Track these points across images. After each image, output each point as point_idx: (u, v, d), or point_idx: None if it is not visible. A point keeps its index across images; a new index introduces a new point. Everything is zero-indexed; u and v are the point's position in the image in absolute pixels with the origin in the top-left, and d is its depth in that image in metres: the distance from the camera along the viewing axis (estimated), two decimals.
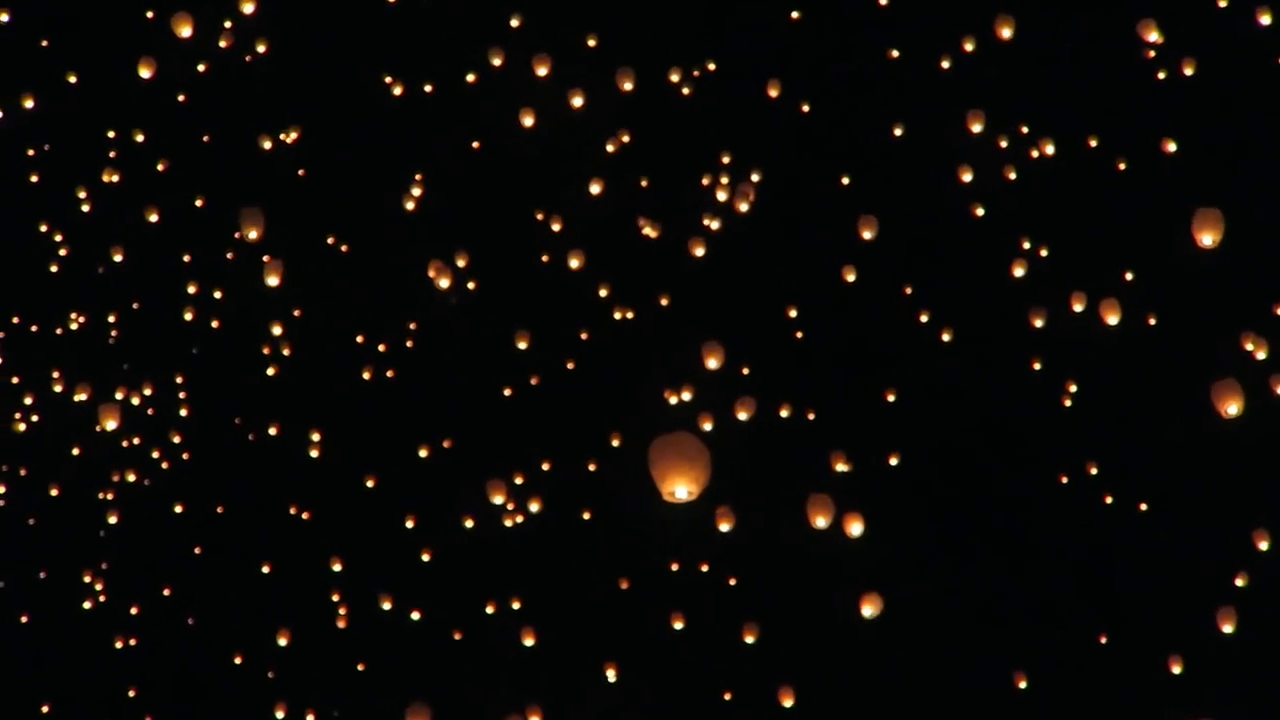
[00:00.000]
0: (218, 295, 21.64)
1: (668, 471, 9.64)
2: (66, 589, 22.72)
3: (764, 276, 22.03)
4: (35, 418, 22.16)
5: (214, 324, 21.76)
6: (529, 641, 20.52)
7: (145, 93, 19.71)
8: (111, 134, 20.89)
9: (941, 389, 22.05)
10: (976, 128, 19.25)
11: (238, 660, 22.65)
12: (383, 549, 22.24)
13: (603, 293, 21.12)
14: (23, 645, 22.77)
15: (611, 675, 21.29)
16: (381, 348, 22.14)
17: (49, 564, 22.61)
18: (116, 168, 20.67)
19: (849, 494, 16.54)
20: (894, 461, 21.48)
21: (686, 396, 19.62)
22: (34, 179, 21.16)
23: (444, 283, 19.18)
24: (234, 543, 22.87)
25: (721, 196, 20.33)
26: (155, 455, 22.34)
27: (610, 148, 20.35)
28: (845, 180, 21.30)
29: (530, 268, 21.48)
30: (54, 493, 22.43)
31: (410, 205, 20.70)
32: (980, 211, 20.55)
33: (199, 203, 21.33)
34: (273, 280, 16.81)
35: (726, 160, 20.64)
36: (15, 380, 21.82)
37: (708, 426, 19.17)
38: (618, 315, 21.48)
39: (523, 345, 20.48)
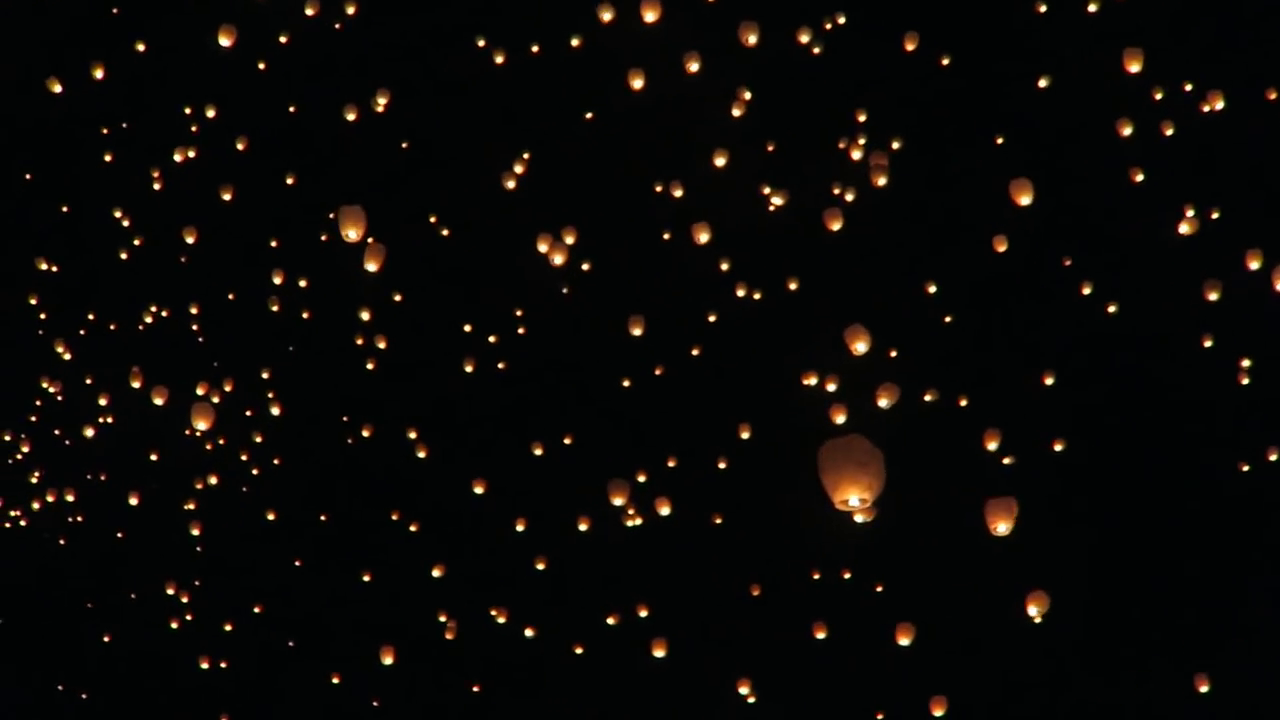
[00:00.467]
0: (303, 284, 20.02)
1: (839, 478, 9.51)
2: (152, 607, 21.09)
3: (906, 249, 20.48)
4: (110, 420, 20.62)
5: (304, 315, 20.16)
6: (659, 653, 18.98)
7: (223, 63, 18.08)
8: (188, 110, 19.35)
9: (1106, 369, 20.28)
10: (1134, 69, 17.53)
11: (335, 680, 21.07)
12: (494, 557, 20.90)
13: (729, 271, 19.42)
14: (106, 667, 21.21)
15: (745, 690, 19.60)
16: (492, 339, 20.48)
17: (132, 580, 21.08)
18: (192, 145, 19.11)
19: (1007, 486, 14.69)
20: (1058, 448, 19.69)
21: (829, 386, 17.90)
22: (107, 158, 19.68)
23: (558, 259, 17.54)
24: (332, 553, 21.36)
25: (856, 155, 18.60)
26: (244, 458, 20.89)
27: (737, 111, 18.56)
28: (999, 140, 19.46)
29: (649, 246, 19.93)
30: (133, 501, 21.02)
31: (511, 184, 19.01)
32: (1140, 176, 18.80)
33: (290, 180, 19.74)
34: (371, 266, 15.21)
35: (861, 119, 19.10)
36: (89, 380, 20.27)
37: (841, 419, 17.65)
38: (742, 294, 19.74)
39: (640, 331, 18.79)
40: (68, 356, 20.46)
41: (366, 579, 21.33)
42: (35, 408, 20.82)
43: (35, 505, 20.83)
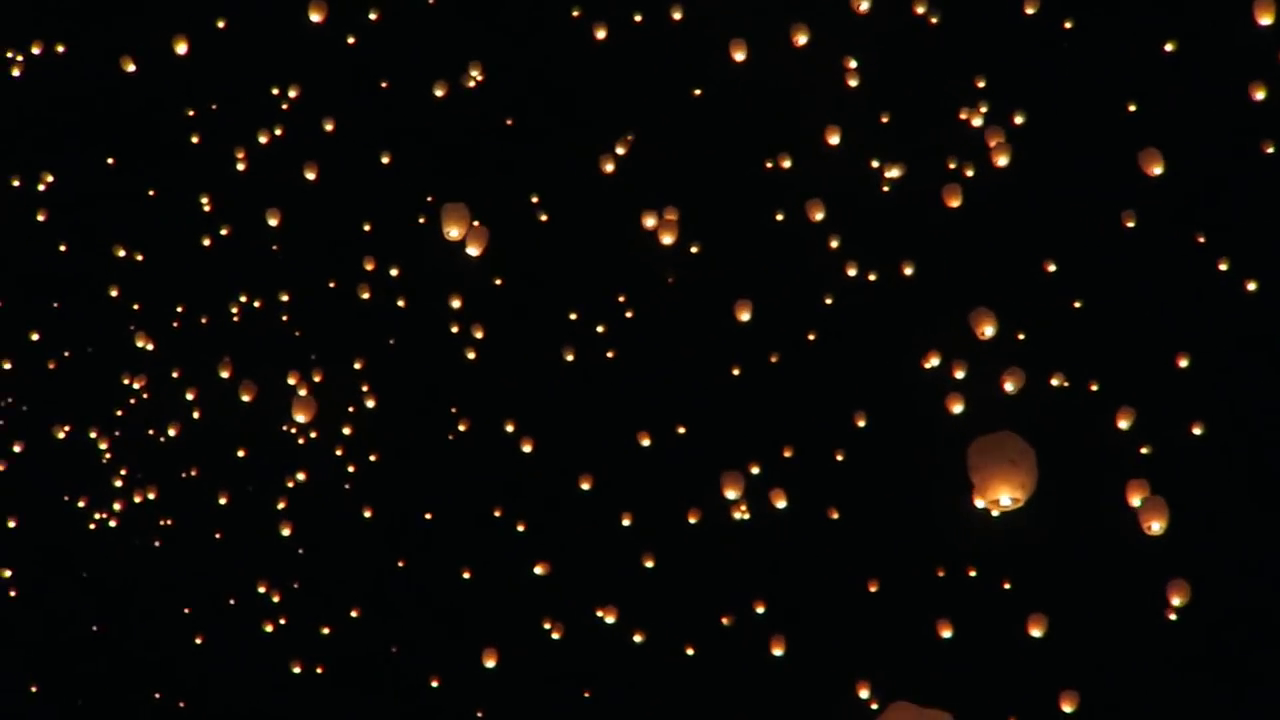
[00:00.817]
0: (395, 273, 19.46)
1: (990, 476, 9.18)
2: (245, 610, 20.67)
3: (1030, 225, 19.68)
4: (198, 415, 20.02)
5: (399, 302, 19.51)
6: (778, 651, 18.44)
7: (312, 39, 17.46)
8: (275, 90, 18.73)
9: (1245, 349, 19.57)
10: (1266, 21, 16.64)
11: (435, 684, 20.43)
12: (600, 554, 20.12)
13: (843, 252, 18.66)
14: (199, 672, 20.65)
15: (864, 694, 18.87)
16: (600, 328, 19.79)
17: (223, 582, 20.49)
18: (278, 126, 18.52)
19: (1141, 473, 14.96)
20: (1196, 432, 18.89)
21: (957, 372, 17.21)
22: (194, 139, 19.07)
23: (667, 239, 16.81)
24: (431, 552, 20.68)
25: (977, 123, 17.80)
26: (339, 454, 20.19)
27: (853, 81, 17.81)
28: (1131, 107, 18.61)
29: (760, 227, 19.20)
30: (223, 501, 20.43)
31: (612, 165, 18.26)
32: (1272, 149, 18.00)
33: (385, 159, 19.07)
34: (473, 250, 14.49)
35: (980, 85, 18.34)
36: (175, 375, 19.67)
37: (958, 408, 17.23)
38: (854, 273, 19.04)
39: (750, 316, 18.07)
40: (151, 348, 19.89)
41: (466, 576, 20.57)
42: (120, 404, 20.22)
43: (121, 506, 20.24)
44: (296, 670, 20.77)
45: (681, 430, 20.22)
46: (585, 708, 20.55)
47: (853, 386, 19.69)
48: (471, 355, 19.71)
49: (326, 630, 20.75)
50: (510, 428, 19.89)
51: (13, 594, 20.64)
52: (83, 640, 20.92)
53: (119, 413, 20.39)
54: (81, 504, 20.34)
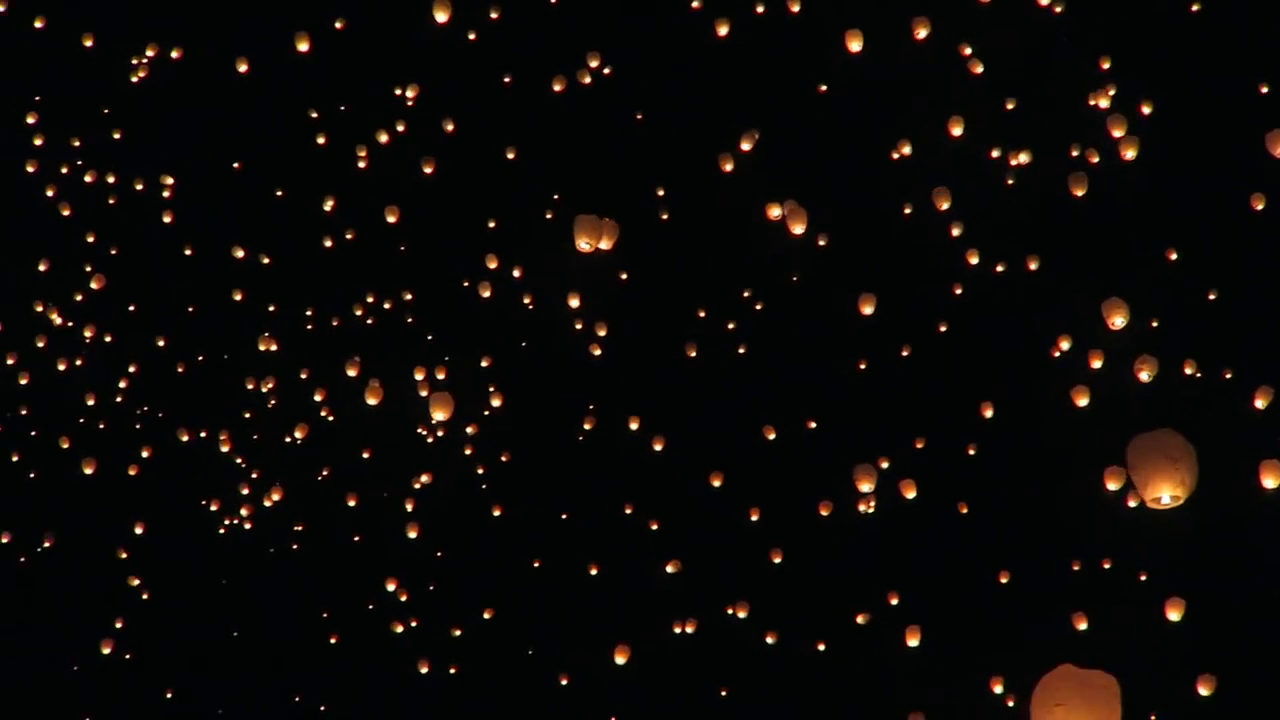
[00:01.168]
0: (517, 274, 19.49)
1: (1151, 474, 9.47)
2: (376, 612, 20.78)
3: (1159, 211, 19.44)
4: (327, 415, 20.07)
5: (525, 300, 19.53)
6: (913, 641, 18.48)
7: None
8: (397, 90, 18.82)
9: None
10: None
11: (564, 682, 20.42)
12: (729, 551, 20.07)
13: (969, 242, 18.58)
14: (332, 674, 20.76)
15: (998, 689, 18.74)
16: (731, 324, 19.69)
17: (354, 584, 20.54)
18: (398, 121, 18.59)
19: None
20: None
21: (1094, 362, 17.05)
22: (320, 140, 19.18)
23: (798, 229, 16.74)
24: (561, 551, 20.79)
25: (1103, 105, 17.63)
26: (468, 453, 20.26)
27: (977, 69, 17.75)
28: (1262, 89, 18.40)
29: (886, 218, 19.25)
30: (351, 503, 20.63)
31: (734, 161, 18.20)
32: None
33: (510, 155, 19.10)
34: (604, 244, 14.53)
35: (1105, 67, 18.26)
36: (304, 376, 19.77)
37: (1083, 401, 17.29)
38: (977, 263, 18.90)
39: (874, 310, 18.02)
40: (276, 350, 19.99)
41: (593, 572, 20.57)
42: (248, 407, 20.29)
43: (250, 510, 20.31)
44: (424, 670, 20.76)
45: (811, 424, 20.13)
46: (717, 704, 20.43)
47: (982, 378, 19.52)
48: (597, 352, 19.72)
49: (458, 632, 20.73)
50: (636, 425, 19.89)
51: (145, 597, 20.76)
52: (215, 645, 20.98)
53: (247, 415, 20.47)
54: (214, 507, 20.43)
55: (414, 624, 20.57)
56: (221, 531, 20.58)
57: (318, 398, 20.26)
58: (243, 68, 18.24)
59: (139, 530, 20.44)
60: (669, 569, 19.73)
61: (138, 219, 19.87)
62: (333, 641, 20.85)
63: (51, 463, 20.32)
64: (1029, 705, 8.89)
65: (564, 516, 20.60)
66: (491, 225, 19.80)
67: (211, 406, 20.50)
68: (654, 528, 20.19)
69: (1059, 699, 7.96)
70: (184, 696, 21.01)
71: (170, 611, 20.77)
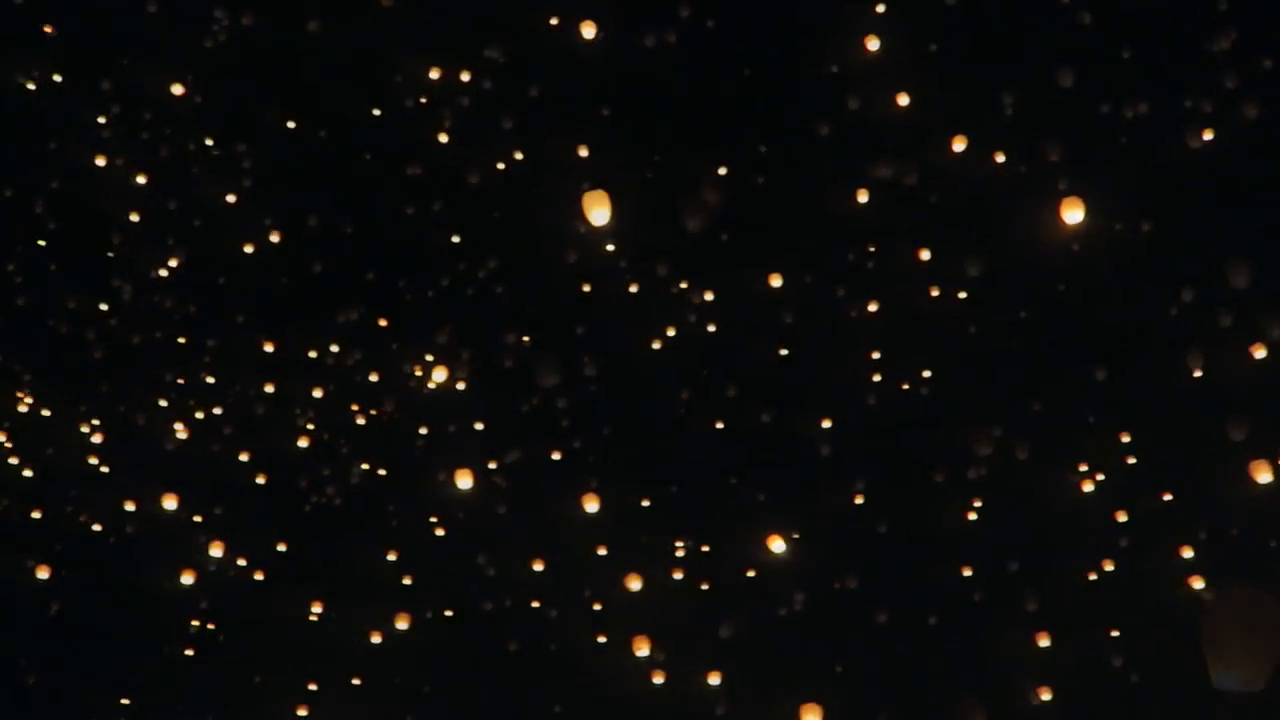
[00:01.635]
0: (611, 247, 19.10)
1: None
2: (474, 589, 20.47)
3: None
4: (416, 387, 19.88)
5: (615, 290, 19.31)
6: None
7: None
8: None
9: None
10: None
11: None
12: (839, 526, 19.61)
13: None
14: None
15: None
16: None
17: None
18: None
19: None
20: None
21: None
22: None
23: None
24: (664, 528, 20.38)
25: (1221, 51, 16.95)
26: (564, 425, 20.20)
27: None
28: None
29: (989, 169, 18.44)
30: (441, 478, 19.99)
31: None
32: None
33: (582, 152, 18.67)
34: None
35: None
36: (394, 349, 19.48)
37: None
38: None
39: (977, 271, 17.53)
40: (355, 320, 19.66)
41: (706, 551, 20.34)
42: (328, 381, 19.94)
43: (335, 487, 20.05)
44: (511, 648, 20.43)
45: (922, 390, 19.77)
46: (830, 679, 19.96)
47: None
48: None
49: (555, 612, 20.37)
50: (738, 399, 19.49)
51: (259, 576, 20.45)
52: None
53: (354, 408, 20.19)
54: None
55: (508, 603, 20.28)
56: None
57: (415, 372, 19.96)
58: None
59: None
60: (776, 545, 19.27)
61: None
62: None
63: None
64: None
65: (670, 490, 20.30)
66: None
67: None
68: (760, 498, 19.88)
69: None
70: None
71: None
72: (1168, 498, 19.02)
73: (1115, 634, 19.22)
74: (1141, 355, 18.70)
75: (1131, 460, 19.10)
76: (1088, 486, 19.14)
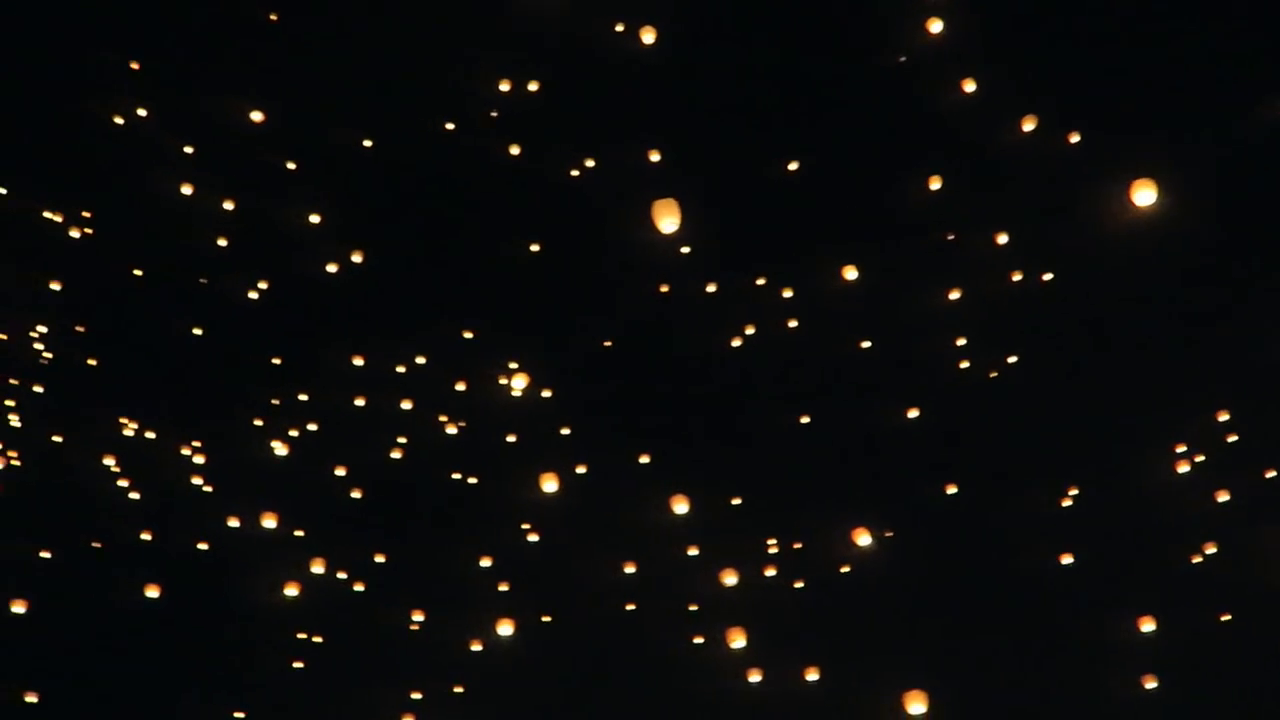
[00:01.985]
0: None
1: None
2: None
3: None
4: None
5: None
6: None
7: None
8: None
9: None
10: None
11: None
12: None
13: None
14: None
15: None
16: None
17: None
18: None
19: None
20: None
21: None
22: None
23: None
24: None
25: None
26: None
27: None
28: None
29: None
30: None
31: None
32: None
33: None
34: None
35: None
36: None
37: None
38: None
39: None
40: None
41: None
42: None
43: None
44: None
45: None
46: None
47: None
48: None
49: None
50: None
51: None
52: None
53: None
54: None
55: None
56: None
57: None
58: None
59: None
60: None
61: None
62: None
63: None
64: None
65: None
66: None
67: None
68: None
69: None
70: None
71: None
72: (1270, 475, 18.61)
73: (1222, 618, 18.90)
74: (1233, 332, 18.29)
75: (1232, 438, 18.74)
76: (1184, 467, 18.81)
